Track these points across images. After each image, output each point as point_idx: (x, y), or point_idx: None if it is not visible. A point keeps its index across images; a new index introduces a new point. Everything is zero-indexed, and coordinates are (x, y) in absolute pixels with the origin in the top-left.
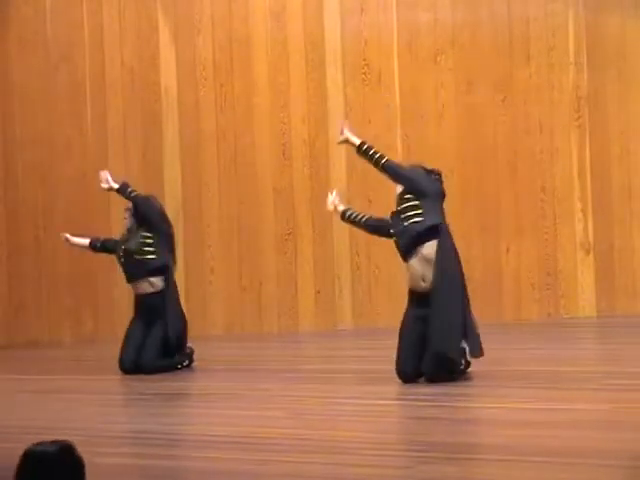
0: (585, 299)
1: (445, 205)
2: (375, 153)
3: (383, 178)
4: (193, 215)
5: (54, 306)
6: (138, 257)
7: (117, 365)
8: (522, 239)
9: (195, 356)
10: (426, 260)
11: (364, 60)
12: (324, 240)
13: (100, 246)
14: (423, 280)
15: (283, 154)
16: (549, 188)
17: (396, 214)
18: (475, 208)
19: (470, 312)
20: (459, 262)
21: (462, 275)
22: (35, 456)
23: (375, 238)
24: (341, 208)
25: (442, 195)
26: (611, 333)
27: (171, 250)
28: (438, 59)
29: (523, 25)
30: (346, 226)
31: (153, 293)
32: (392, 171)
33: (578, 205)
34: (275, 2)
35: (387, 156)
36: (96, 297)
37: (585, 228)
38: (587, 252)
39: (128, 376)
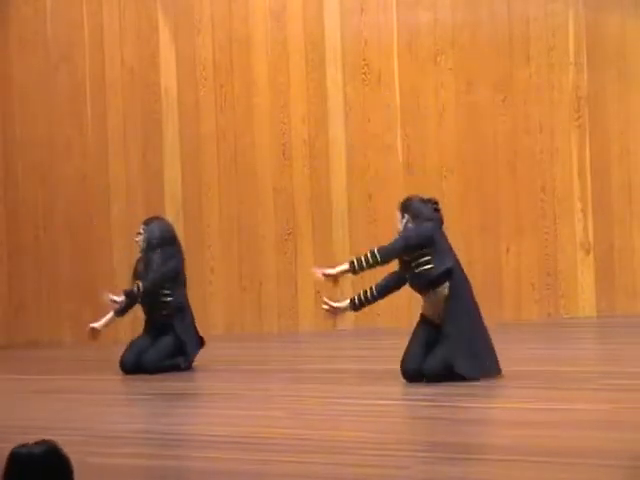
0: (585, 299)
1: (445, 207)
2: (367, 258)
3: (382, 176)
4: (193, 215)
5: (54, 306)
6: (155, 297)
7: (117, 365)
8: (522, 239)
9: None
10: (440, 300)
11: (364, 60)
12: (324, 240)
13: (125, 307)
14: (438, 317)
15: (283, 154)
16: (549, 188)
17: (405, 262)
18: (475, 208)
19: (482, 335)
20: (471, 295)
21: (473, 305)
22: (21, 458)
23: (375, 238)
24: (346, 304)
25: (441, 224)
26: (611, 333)
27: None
28: (438, 59)
29: (523, 25)
30: (346, 226)
31: (166, 315)
32: (394, 254)
33: (578, 205)
34: (275, 2)
35: (374, 248)
36: (96, 297)
37: (585, 228)
38: (587, 252)
39: (128, 376)
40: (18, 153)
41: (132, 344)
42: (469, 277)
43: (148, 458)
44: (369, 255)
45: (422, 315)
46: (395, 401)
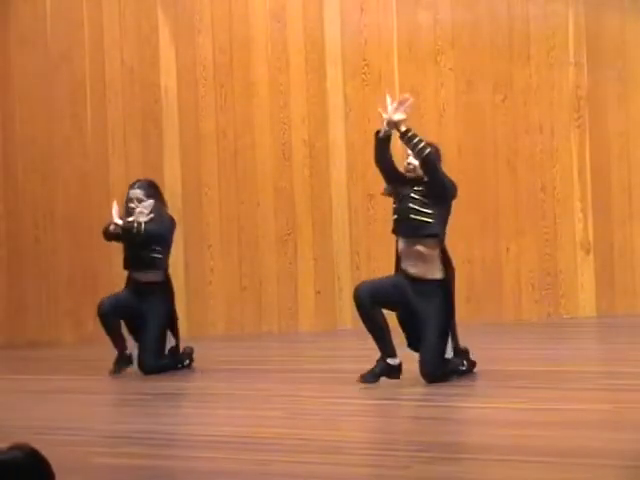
0: (585, 299)
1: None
2: (420, 142)
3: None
4: (193, 215)
5: (54, 306)
6: (145, 251)
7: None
8: (522, 239)
9: (195, 356)
10: (422, 256)
11: (364, 60)
12: (324, 240)
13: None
14: (413, 267)
15: (283, 154)
16: (549, 188)
17: (403, 197)
18: (475, 208)
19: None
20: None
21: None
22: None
23: (375, 238)
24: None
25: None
26: (611, 333)
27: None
28: (438, 59)
29: (523, 25)
30: (346, 226)
31: (153, 282)
32: (432, 166)
33: (578, 205)
34: (275, 2)
35: (430, 148)
36: (96, 297)
37: (585, 228)
38: (587, 252)
39: (128, 376)
40: (18, 153)
41: (113, 295)
42: (469, 276)
43: (148, 458)
44: (424, 143)
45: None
46: (394, 401)
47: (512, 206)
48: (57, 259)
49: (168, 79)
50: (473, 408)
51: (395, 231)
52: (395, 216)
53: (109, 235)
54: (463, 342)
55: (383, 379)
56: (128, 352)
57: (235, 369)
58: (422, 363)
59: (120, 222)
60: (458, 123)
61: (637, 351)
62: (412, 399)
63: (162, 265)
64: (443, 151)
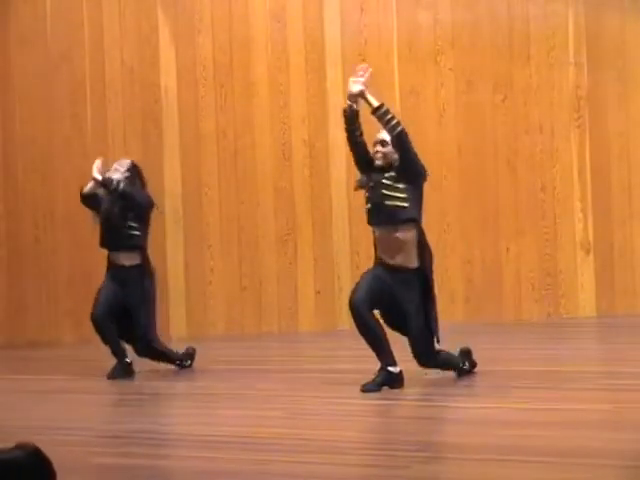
0: (585, 299)
1: (445, 206)
2: (393, 118)
3: None
4: (193, 215)
5: (54, 306)
6: (121, 226)
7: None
8: (522, 239)
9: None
10: (400, 243)
11: (364, 60)
12: (324, 240)
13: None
14: (391, 258)
15: (283, 154)
16: (549, 188)
17: (375, 184)
18: (475, 208)
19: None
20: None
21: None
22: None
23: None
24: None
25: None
26: (611, 333)
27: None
28: (438, 59)
29: (523, 25)
30: (346, 226)
31: (131, 266)
32: (404, 143)
33: (578, 205)
34: (275, 2)
35: (402, 125)
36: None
37: (585, 228)
38: (587, 252)
39: (127, 376)
40: (18, 153)
41: (100, 297)
42: (469, 276)
43: (147, 458)
44: (396, 120)
45: (376, 258)
46: (393, 401)
47: (512, 206)
48: (57, 259)
49: (168, 79)
50: (473, 408)
51: (370, 221)
52: (368, 205)
53: (86, 197)
54: (463, 342)
55: None
56: (128, 360)
57: (235, 369)
58: (412, 345)
59: (99, 177)
60: (458, 123)
61: (637, 351)
62: (412, 399)
63: (139, 244)
64: (443, 151)
